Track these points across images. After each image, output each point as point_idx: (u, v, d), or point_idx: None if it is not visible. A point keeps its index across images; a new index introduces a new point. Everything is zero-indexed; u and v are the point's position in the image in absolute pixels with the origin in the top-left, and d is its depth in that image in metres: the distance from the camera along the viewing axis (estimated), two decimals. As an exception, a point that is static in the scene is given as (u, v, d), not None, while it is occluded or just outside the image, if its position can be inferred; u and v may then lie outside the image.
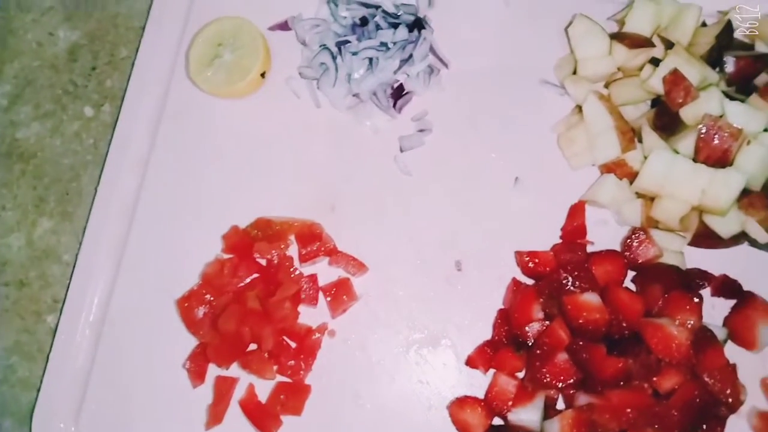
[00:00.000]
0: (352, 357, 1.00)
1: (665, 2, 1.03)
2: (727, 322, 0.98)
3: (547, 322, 0.95)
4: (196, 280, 1.02)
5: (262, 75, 1.10)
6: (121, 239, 1.06)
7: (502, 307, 1.01)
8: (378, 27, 1.08)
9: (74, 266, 1.06)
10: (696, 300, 0.93)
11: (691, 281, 0.98)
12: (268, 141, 1.09)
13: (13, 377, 1.07)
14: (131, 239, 1.06)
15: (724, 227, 0.97)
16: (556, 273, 0.96)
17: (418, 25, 1.08)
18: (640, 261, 0.98)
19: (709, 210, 0.96)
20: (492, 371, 0.97)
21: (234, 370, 0.99)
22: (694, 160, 0.97)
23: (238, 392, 0.99)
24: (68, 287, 1.05)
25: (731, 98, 0.96)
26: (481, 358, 0.97)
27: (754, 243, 0.99)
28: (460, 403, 0.95)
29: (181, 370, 1.00)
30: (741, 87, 1.00)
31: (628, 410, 0.88)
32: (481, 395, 0.96)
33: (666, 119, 0.99)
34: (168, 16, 1.15)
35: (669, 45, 1.01)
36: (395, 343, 1.01)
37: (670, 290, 0.94)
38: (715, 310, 0.99)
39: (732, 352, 0.93)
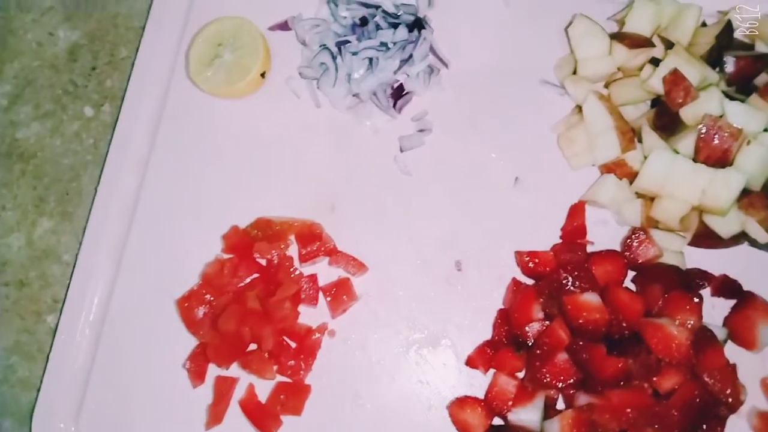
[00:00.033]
0: (352, 357, 1.00)
1: (665, 2, 1.03)
2: (727, 322, 0.98)
3: (547, 322, 0.95)
4: (196, 280, 1.02)
5: (262, 75, 1.10)
6: (121, 239, 1.06)
7: (502, 307, 1.01)
8: (378, 27, 1.08)
9: (74, 266, 1.06)
10: (696, 300, 0.93)
11: (691, 281, 0.98)
12: (268, 141, 1.09)
13: (13, 377, 1.07)
14: (131, 239, 1.06)
15: (724, 227, 0.97)
16: (556, 273, 0.96)
17: (418, 25, 1.08)
18: (640, 261, 0.98)
19: (709, 210, 0.96)
20: (492, 371, 0.97)
21: (234, 370, 0.99)
22: (694, 160, 0.97)
23: (238, 392, 0.99)
24: (68, 287, 1.05)
25: (731, 98, 0.96)
26: (481, 358, 0.97)
27: (754, 243, 0.99)
28: (460, 403, 0.95)
29: (181, 370, 1.00)
30: (741, 87, 1.00)
31: (628, 410, 0.88)
32: (481, 395, 0.97)
33: (666, 119, 0.99)
34: (168, 16, 1.15)
35: (669, 45, 1.01)
36: (395, 343, 1.01)
37: (670, 290, 0.94)
38: (715, 310, 0.99)
39: (732, 352, 0.93)
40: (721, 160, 0.95)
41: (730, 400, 0.89)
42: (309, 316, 1.01)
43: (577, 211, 1.02)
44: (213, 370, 0.99)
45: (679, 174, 0.95)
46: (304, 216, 1.05)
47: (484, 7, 1.13)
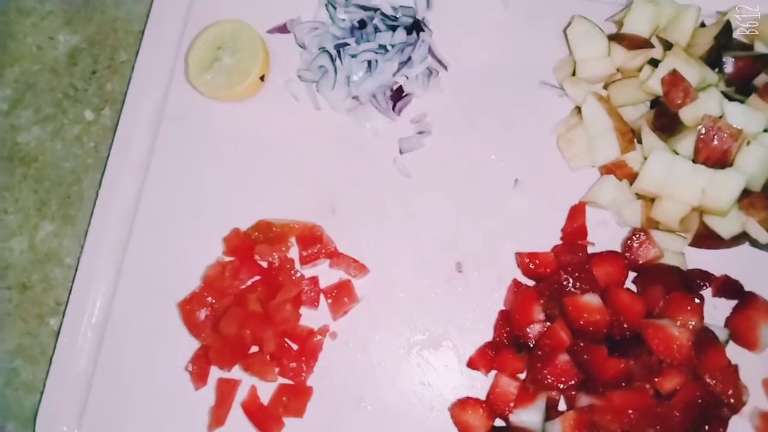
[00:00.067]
0: (353, 359, 1.01)
1: (664, 3, 1.03)
2: (728, 322, 0.98)
3: (548, 324, 0.95)
4: (197, 283, 1.03)
5: (262, 78, 1.10)
6: (123, 242, 1.07)
7: (503, 308, 1.01)
8: (377, 29, 1.08)
9: (76, 269, 1.06)
10: (697, 301, 0.93)
11: (692, 282, 0.98)
12: (268, 144, 1.10)
13: (16, 380, 1.07)
14: (132, 242, 1.06)
15: (724, 228, 0.97)
16: (557, 274, 0.96)
17: (416, 27, 1.08)
18: (640, 262, 0.98)
19: (709, 211, 0.96)
20: (493, 373, 0.97)
21: (236, 372, 0.99)
22: (694, 160, 0.96)
23: (240, 394, 0.99)
24: (70, 290, 1.05)
25: (731, 99, 0.96)
26: (483, 359, 0.98)
27: (754, 243, 0.99)
28: (462, 404, 0.95)
29: (183, 372, 1.00)
30: (740, 87, 1.00)
31: (630, 411, 0.88)
32: (482, 397, 0.97)
33: (665, 120, 0.99)
34: (167, 19, 1.15)
35: (668, 46, 1.01)
36: (396, 344, 1.01)
37: (671, 291, 0.94)
38: (716, 310, 0.99)
39: (734, 352, 0.93)
40: (720, 160, 0.95)
41: (732, 400, 0.89)
42: (310, 318, 1.02)
43: (577, 212, 1.02)
44: (215, 373, 1.00)
45: (679, 175, 0.95)
46: (304, 218, 1.05)
47: (482, 9, 1.13)
